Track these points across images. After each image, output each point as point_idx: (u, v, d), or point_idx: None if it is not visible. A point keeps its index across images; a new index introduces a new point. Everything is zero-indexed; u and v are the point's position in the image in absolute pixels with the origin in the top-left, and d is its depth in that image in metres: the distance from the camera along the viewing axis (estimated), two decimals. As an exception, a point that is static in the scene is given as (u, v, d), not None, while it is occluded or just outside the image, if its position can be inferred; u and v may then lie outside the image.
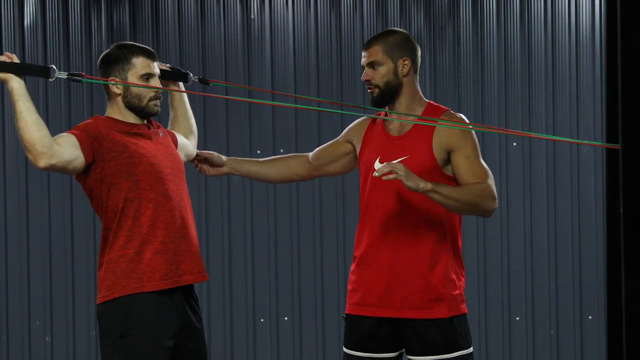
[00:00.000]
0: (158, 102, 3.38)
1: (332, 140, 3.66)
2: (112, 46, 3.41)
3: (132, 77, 3.33)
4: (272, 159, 3.76)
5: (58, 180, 5.60)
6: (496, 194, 3.34)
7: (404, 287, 3.34)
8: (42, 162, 3.09)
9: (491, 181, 3.35)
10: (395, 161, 3.32)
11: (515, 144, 5.68)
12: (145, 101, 3.34)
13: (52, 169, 3.13)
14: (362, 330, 3.40)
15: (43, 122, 3.12)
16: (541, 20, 5.68)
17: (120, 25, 5.63)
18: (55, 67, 3.14)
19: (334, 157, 3.63)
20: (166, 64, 3.65)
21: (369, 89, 3.42)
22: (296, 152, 5.61)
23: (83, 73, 3.20)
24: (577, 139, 5.66)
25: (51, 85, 5.62)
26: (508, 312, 5.69)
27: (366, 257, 3.40)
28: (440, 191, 3.20)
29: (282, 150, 5.62)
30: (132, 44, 3.40)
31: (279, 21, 5.65)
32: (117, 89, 3.34)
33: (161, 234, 3.30)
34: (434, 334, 3.32)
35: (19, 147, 5.61)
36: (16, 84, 3.08)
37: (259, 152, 5.63)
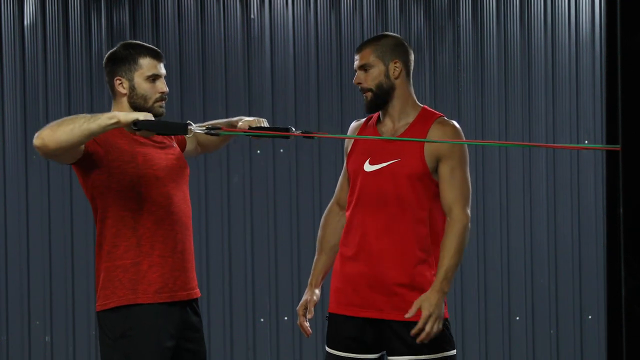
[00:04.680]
0: (163, 103, 3.36)
1: (343, 175, 3.57)
2: (118, 45, 3.36)
3: (139, 78, 3.30)
4: (323, 240, 3.59)
5: (58, 180, 5.60)
6: (468, 213, 3.34)
7: (388, 289, 3.35)
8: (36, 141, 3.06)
9: (464, 201, 3.34)
10: (384, 164, 3.34)
11: (515, 144, 5.68)
12: (150, 102, 3.32)
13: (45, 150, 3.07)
14: (346, 330, 3.41)
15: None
16: (541, 20, 5.67)
17: (120, 25, 5.63)
18: (192, 123, 3.11)
19: None
20: (261, 119, 3.45)
21: (362, 93, 3.42)
22: (296, 151, 5.62)
23: (222, 127, 3.23)
24: (577, 138, 5.66)
25: (51, 84, 5.62)
26: (508, 312, 5.69)
27: (353, 256, 3.41)
28: (448, 279, 3.29)
29: (281, 150, 5.62)
30: (139, 44, 3.36)
31: (279, 21, 5.65)
32: (122, 89, 3.31)
33: (159, 247, 3.28)
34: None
35: (19, 146, 5.61)
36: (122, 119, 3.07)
37: (258, 152, 5.63)
